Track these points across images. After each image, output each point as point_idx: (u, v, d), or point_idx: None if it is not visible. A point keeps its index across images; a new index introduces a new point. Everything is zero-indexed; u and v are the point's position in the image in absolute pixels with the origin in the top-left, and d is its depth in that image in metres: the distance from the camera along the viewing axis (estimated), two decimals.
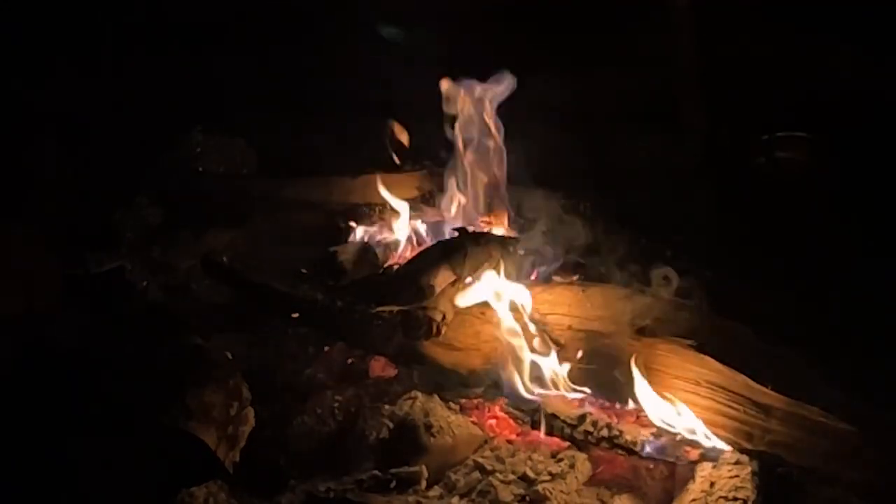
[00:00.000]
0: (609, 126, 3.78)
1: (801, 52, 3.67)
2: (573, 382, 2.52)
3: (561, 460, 2.36)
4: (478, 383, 2.63)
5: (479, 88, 3.05)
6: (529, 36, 3.99)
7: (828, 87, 3.60)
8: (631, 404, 2.42)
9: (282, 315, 2.92)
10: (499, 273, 2.76)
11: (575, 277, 2.93)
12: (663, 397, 2.35)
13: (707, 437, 2.29)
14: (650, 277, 2.73)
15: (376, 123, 3.82)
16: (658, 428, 2.34)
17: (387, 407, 2.52)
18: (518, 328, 2.59)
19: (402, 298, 2.62)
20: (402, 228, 3.29)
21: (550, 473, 2.30)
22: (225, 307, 3.11)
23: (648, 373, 2.39)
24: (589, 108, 3.83)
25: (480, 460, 2.37)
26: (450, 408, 2.53)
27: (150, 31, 3.92)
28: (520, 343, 2.56)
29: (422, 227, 3.30)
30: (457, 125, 3.09)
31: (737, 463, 2.20)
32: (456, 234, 2.88)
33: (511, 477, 2.30)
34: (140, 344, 2.58)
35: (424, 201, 3.50)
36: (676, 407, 2.33)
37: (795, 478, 2.20)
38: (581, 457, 2.37)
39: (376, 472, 2.30)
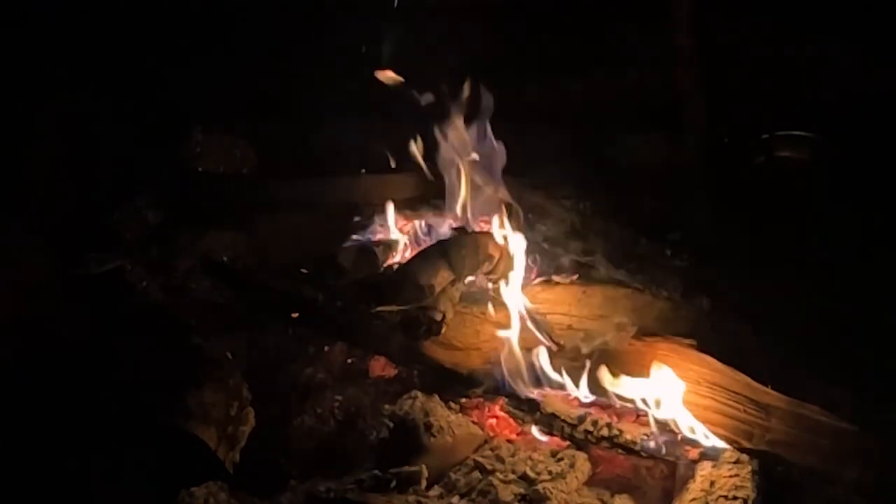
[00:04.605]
0: (608, 126, 3.77)
1: (801, 51, 3.66)
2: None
3: (561, 460, 2.36)
4: (478, 383, 2.63)
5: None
6: (529, 36, 3.98)
7: (828, 87, 3.60)
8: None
9: (282, 315, 2.92)
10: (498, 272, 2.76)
11: (575, 277, 2.93)
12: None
13: (707, 436, 2.30)
14: None
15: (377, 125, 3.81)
16: (658, 427, 2.34)
17: (387, 407, 2.53)
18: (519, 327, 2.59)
19: (401, 298, 2.63)
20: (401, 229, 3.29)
21: (550, 473, 2.30)
22: (225, 307, 3.11)
23: (648, 373, 2.39)
24: (588, 108, 3.82)
25: (480, 460, 2.37)
26: (450, 407, 2.53)
27: (151, 31, 3.92)
28: (520, 342, 2.56)
29: (422, 227, 3.30)
30: (455, 127, 3.09)
31: (737, 462, 2.20)
32: (456, 233, 2.87)
33: (511, 476, 2.30)
34: (140, 344, 2.58)
35: (424, 201, 3.49)
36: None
37: (795, 477, 2.20)
38: (581, 456, 2.37)
39: (376, 471, 2.30)
